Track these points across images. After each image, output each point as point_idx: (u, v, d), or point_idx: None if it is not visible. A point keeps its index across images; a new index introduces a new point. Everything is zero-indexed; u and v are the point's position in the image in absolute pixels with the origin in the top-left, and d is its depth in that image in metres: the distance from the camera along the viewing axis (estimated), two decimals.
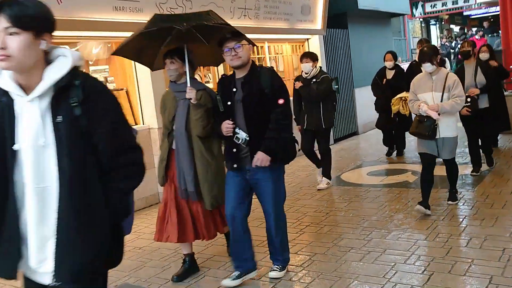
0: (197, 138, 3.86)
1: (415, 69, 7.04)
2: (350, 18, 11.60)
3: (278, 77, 3.78)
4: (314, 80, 6.36)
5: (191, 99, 3.82)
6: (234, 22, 7.85)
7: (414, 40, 21.49)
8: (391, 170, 7.50)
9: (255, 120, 3.62)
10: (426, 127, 4.89)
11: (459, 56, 8.65)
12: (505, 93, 9.46)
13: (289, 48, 10.14)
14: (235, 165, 3.72)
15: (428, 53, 4.90)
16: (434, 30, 25.49)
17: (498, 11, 23.11)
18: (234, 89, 3.69)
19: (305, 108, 6.52)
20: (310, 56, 6.50)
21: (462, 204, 5.40)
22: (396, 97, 7.29)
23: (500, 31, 12.65)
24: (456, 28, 26.42)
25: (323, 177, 6.67)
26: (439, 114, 4.84)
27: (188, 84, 3.85)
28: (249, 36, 3.82)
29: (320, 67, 6.67)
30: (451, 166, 5.29)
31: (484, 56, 7.43)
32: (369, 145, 9.80)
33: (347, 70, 11.51)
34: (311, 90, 6.35)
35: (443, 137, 4.96)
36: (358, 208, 5.66)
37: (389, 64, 7.97)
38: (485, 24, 19.04)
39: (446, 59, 16.51)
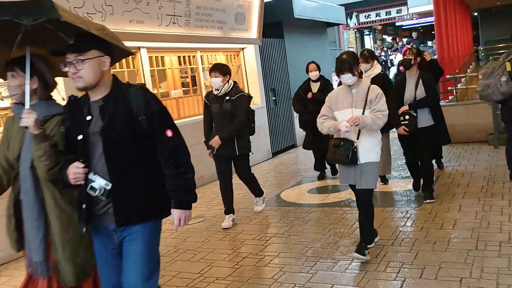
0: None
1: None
2: (286, 27, 11.25)
3: (155, 98, 2.66)
4: (228, 98, 5.44)
5: (27, 127, 2.66)
6: (162, 30, 7.25)
7: (349, 50, 21.73)
8: (333, 186, 7.10)
9: (121, 161, 2.55)
10: (344, 152, 4.09)
11: (400, 67, 8.43)
12: (442, 103, 9.41)
13: (223, 58, 9.59)
14: (84, 229, 2.66)
15: (349, 61, 4.05)
16: (368, 41, 25.94)
17: (428, 22, 23.91)
18: (89, 117, 2.58)
19: (216, 130, 5.56)
20: (219, 69, 5.43)
21: (410, 225, 5.03)
22: None
23: (429, 41, 12.83)
24: (389, 38, 27.03)
25: (257, 198, 6.12)
26: (359, 133, 4.12)
27: (26, 105, 2.68)
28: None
29: (234, 82, 5.62)
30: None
31: (314, 74, 7.22)
32: (308, 158, 9.37)
33: (284, 81, 11.13)
34: (223, 110, 5.47)
35: (362, 162, 4.13)
36: (300, 233, 5.16)
37: (313, 75, 7.17)
38: (414, 34, 19.28)
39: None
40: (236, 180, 5.88)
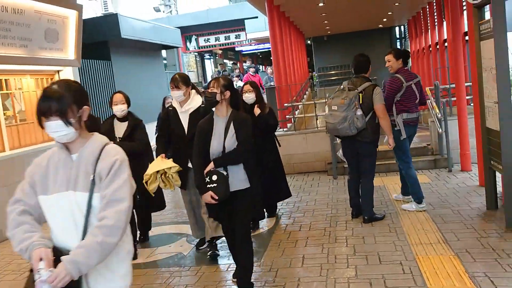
0: None
1: (172, 113, 4.85)
2: (113, 48, 10.01)
3: None
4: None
5: None
6: None
7: (189, 74, 21.00)
8: (168, 235, 6.02)
9: None
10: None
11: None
12: (280, 132, 8.97)
13: (32, 82, 8.00)
14: None
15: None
16: (209, 64, 25.62)
17: (266, 48, 24.44)
18: None
19: None
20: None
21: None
22: (151, 170, 4.58)
23: (268, 67, 12.66)
24: (230, 63, 27.04)
25: None
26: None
27: None
28: None
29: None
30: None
31: (248, 96, 5.52)
32: None
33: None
34: None
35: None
36: None
37: (118, 109, 5.17)
38: (248, 61, 19.10)
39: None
40: None
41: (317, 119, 9.55)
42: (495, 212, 5.45)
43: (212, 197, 3.74)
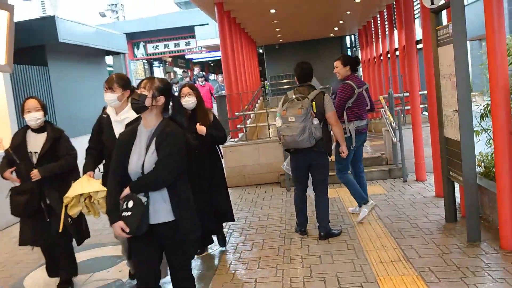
0: None
1: (105, 122, 4.09)
2: (51, 53, 9.31)
3: None
4: None
5: None
6: None
7: (137, 81, 20.32)
8: (106, 258, 5.44)
9: None
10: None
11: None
12: (231, 143, 8.56)
13: None
14: None
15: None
16: (159, 72, 24.91)
17: (218, 56, 24.02)
18: None
19: None
20: None
21: None
22: (73, 193, 3.76)
23: (219, 75, 12.28)
24: (180, 71, 26.44)
25: None
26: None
27: None
28: None
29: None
30: None
31: (188, 100, 4.72)
32: None
33: (48, 118, 9.07)
34: None
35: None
36: None
37: (31, 118, 4.37)
38: (196, 69, 18.30)
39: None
40: None
41: (269, 129, 9.21)
42: (454, 225, 5.22)
43: (123, 229, 2.87)
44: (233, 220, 5.33)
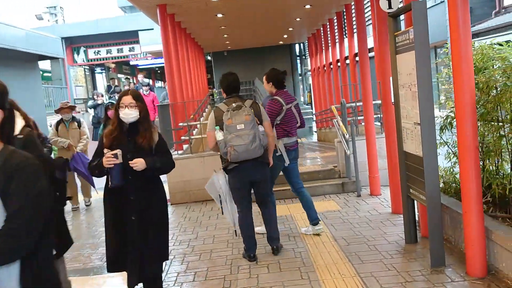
0: None
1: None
2: None
3: None
4: None
5: None
6: None
7: (77, 89, 19.20)
8: None
9: None
10: None
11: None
12: (174, 156, 7.93)
13: None
14: None
15: None
16: (101, 79, 23.78)
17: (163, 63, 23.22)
18: None
19: None
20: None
21: None
22: None
23: (159, 82, 11.55)
24: (140, 76, 25.28)
25: None
26: None
27: None
28: None
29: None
30: None
31: (128, 114, 3.59)
32: None
33: None
34: None
35: None
36: None
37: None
38: (140, 76, 17.05)
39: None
40: None
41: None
42: (415, 247, 4.83)
43: None
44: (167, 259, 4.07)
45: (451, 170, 5.17)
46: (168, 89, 9.58)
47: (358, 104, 8.14)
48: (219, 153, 4.72)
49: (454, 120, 4.93)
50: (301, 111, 5.72)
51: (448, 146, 5.11)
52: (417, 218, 5.18)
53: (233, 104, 4.56)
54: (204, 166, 7.83)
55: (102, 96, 12.63)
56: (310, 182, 7.76)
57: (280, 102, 5.18)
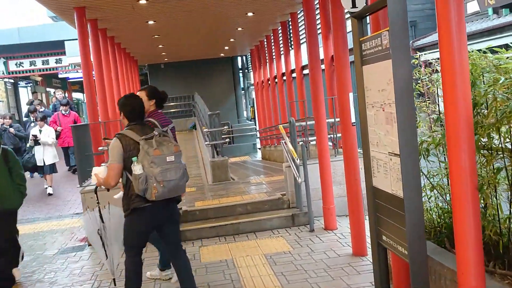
0: None
1: None
2: None
3: None
4: None
5: None
6: None
7: None
8: None
9: None
10: None
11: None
12: None
13: None
14: None
15: None
16: (25, 93, 21.65)
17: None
18: None
19: None
20: None
21: None
22: None
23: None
24: (58, 93, 23.28)
25: None
26: None
27: None
28: None
29: None
30: None
31: None
32: None
33: None
34: None
35: None
36: None
37: None
38: (58, 94, 14.97)
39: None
40: None
41: None
42: None
43: None
44: None
45: (435, 210, 4.24)
46: (87, 107, 8.28)
47: (309, 122, 7.15)
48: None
49: (431, 146, 4.02)
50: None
51: (427, 178, 4.16)
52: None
53: (155, 132, 3.82)
54: None
55: (10, 119, 10.96)
56: (255, 214, 6.70)
57: (154, 124, 4.38)
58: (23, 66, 17.68)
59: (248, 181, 8.71)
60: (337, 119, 7.57)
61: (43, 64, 17.59)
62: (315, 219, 6.39)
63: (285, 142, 6.86)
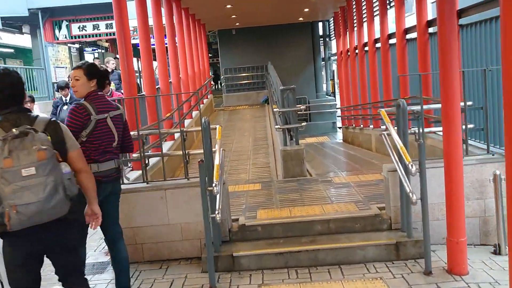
0: None
1: None
2: None
3: None
4: None
5: None
6: None
7: (57, 70, 16.30)
8: None
9: None
10: None
11: None
12: None
13: None
14: None
15: None
16: (92, 60, 20.73)
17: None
18: None
19: None
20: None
21: None
22: None
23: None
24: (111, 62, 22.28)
25: None
26: None
27: None
28: None
29: None
30: None
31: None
32: None
33: None
34: None
35: None
36: None
37: None
38: (112, 62, 12.38)
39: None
40: None
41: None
42: None
43: None
44: None
45: None
46: (143, 77, 6.67)
47: (428, 107, 4.92)
48: None
49: None
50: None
51: None
52: None
53: (13, 130, 2.74)
54: (166, 203, 4.79)
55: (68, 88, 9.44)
56: (340, 237, 4.67)
57: (87, 109, 3.80)
58: (86, 30, 16.50)
59: (330, 180, 6.60)
60: (469, 103, 5.32)
61: (106, 28, 16.31)
62: (432, 252, 4.26)
63: (388, 134, 4.74)
